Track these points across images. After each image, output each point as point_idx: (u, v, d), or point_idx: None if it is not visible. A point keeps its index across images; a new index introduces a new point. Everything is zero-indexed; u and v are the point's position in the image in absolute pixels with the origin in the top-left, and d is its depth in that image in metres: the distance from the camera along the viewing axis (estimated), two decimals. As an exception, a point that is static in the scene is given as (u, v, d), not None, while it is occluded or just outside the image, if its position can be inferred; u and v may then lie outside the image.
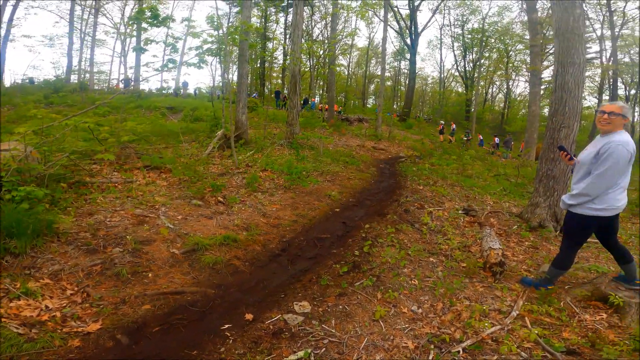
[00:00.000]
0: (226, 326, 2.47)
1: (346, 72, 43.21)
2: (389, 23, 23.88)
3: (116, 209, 4.19)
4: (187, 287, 2.97)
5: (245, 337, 2.35)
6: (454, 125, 24.20)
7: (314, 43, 27.81)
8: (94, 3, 27.86)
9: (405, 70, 40.46)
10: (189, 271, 3.23)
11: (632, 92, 33.50)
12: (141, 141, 7.26)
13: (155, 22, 6.91)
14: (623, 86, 32.76)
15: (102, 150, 5.50)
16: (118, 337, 2.28)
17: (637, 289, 2.81)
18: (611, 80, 27.09)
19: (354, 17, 32.81)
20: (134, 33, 22.02)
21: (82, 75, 29.57)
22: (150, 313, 2.56)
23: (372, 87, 47.80)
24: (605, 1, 24.34)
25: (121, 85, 24.62)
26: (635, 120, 35.78)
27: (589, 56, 29.06)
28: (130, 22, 7.09)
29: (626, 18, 25.69)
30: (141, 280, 2.95)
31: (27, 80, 23.89)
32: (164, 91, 25.45)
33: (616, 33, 25.57)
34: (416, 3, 29.37)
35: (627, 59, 31.43)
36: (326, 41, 26.07)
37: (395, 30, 31.95)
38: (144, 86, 25.61)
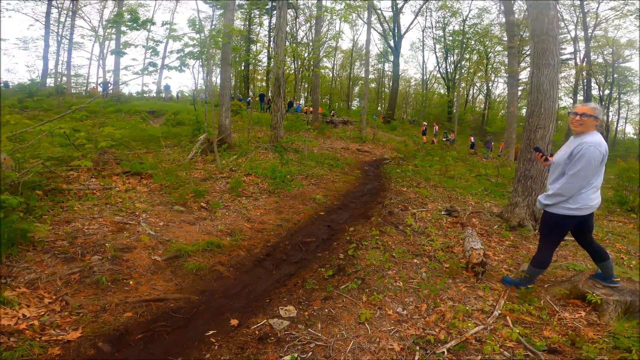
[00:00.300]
0: (211, 332, 2.44)
1: (331, 75, 43.46)
2: (372, 25, 24.19)
3: (94, 216, 4.07)
4: (170, 294, 2.92)
5: (230, 342, 2.32)
6: (437, 127, 24.61)
7: (298, 46, 27.86)
8: (71, 5, 27.17)
9: (389, 72, 41.00)
10: (171, 278, 3.18)
11: (606, 92, 34.86)
12: (120, 146, 7.10)
13: (134, 25, 6.77)
14: (597, 87, 34.06)
15: (79, 156, 5.35)
16: (99, 345, 2.23)
17: (615, 286, 2.88)
18: (585, 81, 28.02)
19: (338, 20, 33.03)
20: (113, 36, 21.56)
21: (59, 79, 28.77)
22: (132, 320, 2.52)
23: (356, 89, 48.22)
24: (579, 2, 25.15)
25: (99, 89, 24.05)
26: (610, 120, 37.25)
27: (563, 57, 29.97)
28: (108, 25, 6.91)
29: (599, 19, 26.61)
30: (122, 288, 2.89)
31: (2, 84, 23.06)
32: (146, 94, 25.01)
33: (589, 34, 26.45)
34: (399, 5, 29.83)
35: (600, 60, 32.72)
36: (310, 44, 26.15)
37: (379, 33, 32.38)
38: (123, 90, 25.04)
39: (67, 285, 2.79)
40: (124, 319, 2.52)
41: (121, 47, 6.95)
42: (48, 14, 26.03)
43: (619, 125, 42.11)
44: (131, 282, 2.99)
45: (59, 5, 27.19)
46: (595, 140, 2.67)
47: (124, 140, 7.08)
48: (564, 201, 2.79)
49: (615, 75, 33.92)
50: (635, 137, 42.66)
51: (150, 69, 7.08)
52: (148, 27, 6.94)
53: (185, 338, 2.39)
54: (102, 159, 6.01)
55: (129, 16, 6.64)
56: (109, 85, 18.79)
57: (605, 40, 30.24)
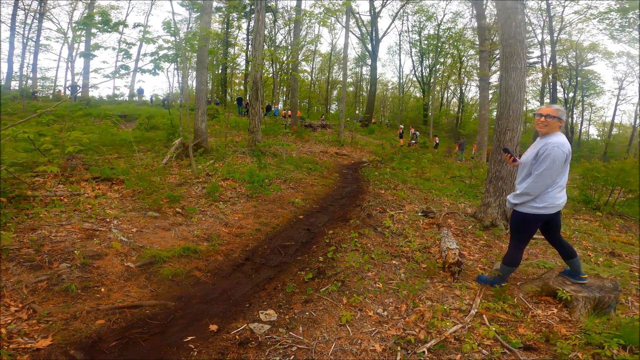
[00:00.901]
0: (189, 338, 2.38)
1: (309, 78, 43.60)
2: (350, 29, 24.44)
3: (62, 223, 3.89)
4: (145, 301, 2.83)
5: (210, 348, 2.27)
6: (413, 130, 25.09)
7: (277, 49, 27.79)
8: (39, 7, 26.06)
9: (367, 76, 41.53)
10: (146, 284, 3.08)
11: (570, 95, 36.60)
12: (90, 152, 6.83)
13: (105, 27, 6.55)
14: (562, 89, 35.68)
15: (45, 162, 5.10)
16: (71, 352, 2.15)
17: (583, 283, 2.99)
18: (551, 84, 29.31)
19: (317, 24, 33.24)
20: (83, 38, 20.81)
21: (24, 82, 27.46)
22: (105, 328, 2.44)
23: (335, 92, 48.59)
24: (545, 6, 26.30)
25: (68, 92, 23.12)
26: (574, 122, 39.14)
27: (531, 61, 31.24)
28: (77, 27, 6.65)
29: (564, 23, 27.88)
30: (93, 296, 2.79)
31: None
32: (117, 98, 24.19)
33: (555, 38, 27.69)
34: (377, 9, 30.33)
35: (565, 63, 34.32)
36: (289, 47, 26.16)
37: (357, 37, 32.78)
38: (93, 93, 24.21)
39: (34, 293, 2.67)
40: (97, 326, 2.44)
41: (91, 49, 6.69)
42: (14, 15, 24.89)
43: (582, 127, 44.32)
44: (103, 290, 2.89)
45: (26, 7, 26.04)
46: (559, 140, 2.78)
47: (93, 145, 6.82)
48: (531, 200, 2.88)
49: (579, 78, 35.49)
50: (598, 138, 45.14)
51: (122, 72, 6.87)
52: (120, 29, 6.72)
53: (163, 344, 2.32)
54: (70, 164, 5.76)
55: (99, 18, 6.43)
56: (78, 88, 18.07)
57: (569, 44, 31.68)
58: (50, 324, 2.38)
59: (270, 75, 26.11)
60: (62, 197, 4.66)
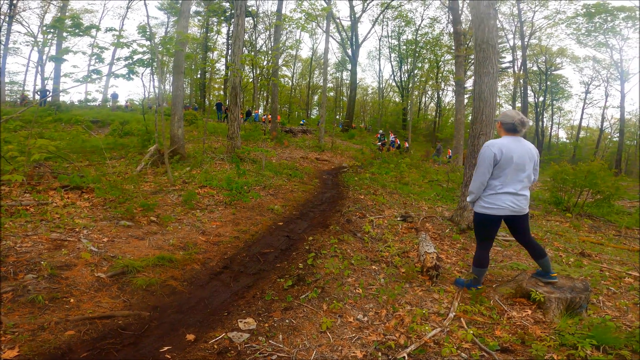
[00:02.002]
0: (165, 348, 2.31)
1: (290, 83, 43.56)
2: (331, 34, 24.65)
3: (28, 233, 3.71)
4: (118, 311, 2.73)
5: (187, 358, 2.21)
6: (393, 135, 25.45)
7: (257, 54, 27.64)
8: (8, 10, 24.97)
9: (347, 81, 41.82)
10: (118, 294, 2.97)
11: (540, 99, 38.04)
12: (59, 159, 6.55)
13: (76, 31, 6.34)
14: (532, 94, 37.04)
15: (10, 170, 4.84)
16: None
17: (553, 281, 3.06)
18: (522, 88, 30.39)
19: (297, 29, 33.29)
20: (54, 42, 20.08)
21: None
22: (75, 339, 2.34)
23: (315, 97, 48.74)
24: (517, 12, 27.36)
25: (37, 97, 22.18)
26: (544, 125, 40.67)
27: (503, 65, 32.32)
28: (47, 31, 6.40)
29: (534, 28, 29.06)
30: (62, 307, 2.67)
31: None
32: (90, 103, 23.40)
33: (526, 43, 28.79)
34: (357, 15, 30.71)
35: (535, 68, 35.67)
36: (269, 52, 26.07)
37: (337, 42, 33.01)
38: (64, 98, 23.29)
39: (-2, 305, 2.54)
40: (66, 337, 2.34)
41: (61, 53, 6.45)
42: (-17, 18, 23.76)
43: (552, 130, 46.13)
44: (72, 300, 2.77)
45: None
46: (493, 141, 2.96)
47: (61, 152, 6.54)
48: (479, 200, 3.03)
49: (548, 83, 36.84)
50: (567, 141, 47.10)
51: (94, 76, 6.65)
52: (93, 33, 6.51)
53: (137, 355, 2.24)
54: (37, 172, 5.50)
55: (70, 22, 6.22)
56: (48, 92, 17.38)
57: (539, 49, 33.00)
58: (17, 335, 2.28)
59: (251, 80, 25.96)
60: (28, 207, 4.44)
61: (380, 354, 2.33)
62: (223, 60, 32.65)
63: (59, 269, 3.11)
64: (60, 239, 3.70)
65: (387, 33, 38.97)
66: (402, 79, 39.71)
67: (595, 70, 35.37)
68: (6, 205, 4.31)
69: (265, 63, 21.57)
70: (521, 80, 27.29)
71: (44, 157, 4.60)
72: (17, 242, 3.48)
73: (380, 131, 25.11)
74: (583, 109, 40.32)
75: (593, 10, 23.60)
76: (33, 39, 23.54)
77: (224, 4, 26.54)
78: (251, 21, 31.22)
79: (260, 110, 30.30)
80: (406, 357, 2.29)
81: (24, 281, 2.85)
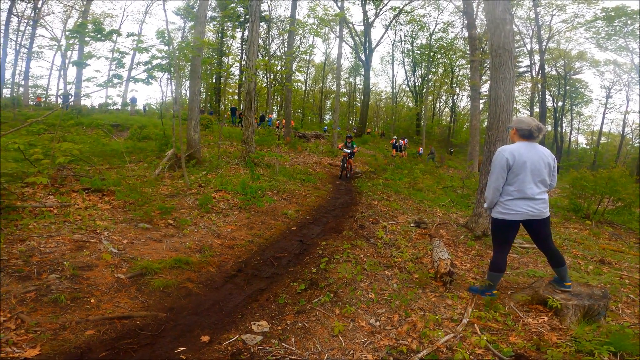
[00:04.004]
0: (181, 349, 2.36)
1: (303, 88, 43.85)
2: (344, 39, 24.77)
3: (51, 234, 3.85)
4: (136, 312, 2.80)
5: (202, 359, 2.25)
6: (404, 141, 25.25)
7: (271, 59, 27.96)
8: (32, 14, 26.06)
9: (360, 86, 41.79)
10: (137, 295, 3.05)
11: (559, 104, 37.15)
12: (80, 162, 6.77)
13: (98, 36, 6.57)
14: (551, 98, 36.20)
15: (35, 172, 5.04)
16: None
17: (567, 290, 3.02)
18: (540, 93, 29.74)
19: (310, 34, 33.57)
20: (76, 46, 20.80)
21: (16, 90, 27.28)
22: (94, 338, 2.40)
23: (328, 102, 48.90)
24: (534, 16, 26.88)
25: (60, 101, 22.99)
26: (563, 131, 39.71)
27: (520, 70, 31.75)
28: (70, 36, 6.64)
29: (552, 32, 28.46)
30: (82, 306, 2.75)
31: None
32: (110, 107, 24.08)
33: (543, 47, 28.23)
34: (370, 19, 30.79)
35: (553, 72, 34.90)
36: (283, 57, 26.34)
37: (350, 47, 33.14)
38: (85, 102, 24.13)
39: (22, 303, 2.64)
40: (86, 336, 2.41)
41: (83, 58, 6.69)
42: (8, 22, 24.84)
43: (572, 135, 45.00)
44: (92, 300, 2.86)
45: (19, 14, 26.04)
46: (506, 147, 2.94)
47: (84, 155, 6.77)
48: (496, 205, 3.02)
49: (567, 87, 35.94)
50: (587, 147, 45.88)
51: (115, 81, 6.87)
52: (114, 38, 6.74)
53: (154, 356, 2.29)
54: (61, 175, 5.71)
55: (92, 27, 6.45)
56: (70, 97, 17.98)
57: (558, 53, 32.31)
58: (39, 334, 2.35)
59: (264, 85, 26.26)
60: (51, 208, 4.61)
61: (391, 358, 2.33)
62: (237, 65, 33.14)
63: (80, 270, 3.21)
64: (82, 240, 3.83)
65: (401, 38, 38.92)
66: (416, 84, 39.49)
67: (616, 74, 34.46)
68: (30, 207, 4.48)
69: (279, 68, 21.80)
70: (539, 85, 26.76)
71: (67, 160, 4.77)
72: (41, 243, 3.61)
73: (395, 137, 24.94)
74: (604, 113, 39.25)
75: (613, 14, 23.00)
76: (56, 43, 24.44)
77: (238, 9, 27.01)
78: (265, 26, 31.65)
79: (274, 115, 30.60)
80: (418, 363, 2.29)
81: (48, 281, 2.94)
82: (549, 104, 34.91)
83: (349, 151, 11.57)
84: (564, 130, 39.90)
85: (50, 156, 5.00)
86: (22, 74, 28.27)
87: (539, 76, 28.29)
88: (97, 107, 25.29)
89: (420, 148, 23.21)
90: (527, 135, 2.93)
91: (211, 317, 2.83)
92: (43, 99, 25.99)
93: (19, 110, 16.23)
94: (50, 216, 4.36)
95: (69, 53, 25.18)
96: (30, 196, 4.90)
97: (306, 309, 2.91)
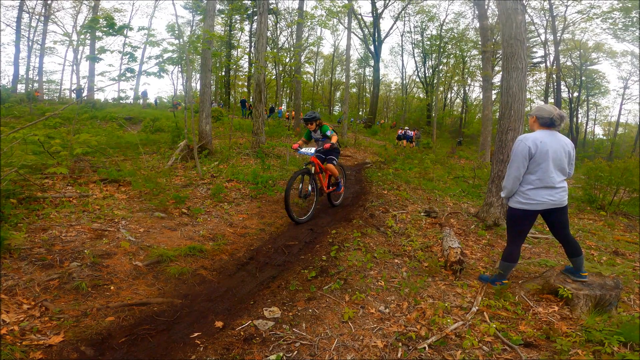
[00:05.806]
0: (196, 334, 2.45)
1: (312, 80, 43.64)
2: (353, 31, 24.54)
3: (72, 223, 3.98)
4: (153, 298, 2.91)
5: (216, 344, 2.33)
6: (414, 132, 24.80)
7: (279, 51, 27.86)
8: (43, 10, 26.44)
9: (370, 77, 41.34)
10: (153, 282, 3.16)
11: (575, 94, 36.26)
12: (97, 154, 6.95)
13: (110, 31, 6.66)
14: (566, 89, 35.33)
15: (54, 163, 5.20)
16: (82, 349, 2.22)
17: (583, 280, 3.01)
18: (555, 83, 29.03)
19: (318, 26, 33.25)
20: (88, 41, 21.08)
21: (30, 85, 27.84)
22: (114, 325, 2.51)
23: (338, 94, 48.61)
24: (548, 6, 26.11)
25: (73, 95, 23.41)
26: (579, 122, 38.79)
27: (535, 61, 30.97)
28: (83, 31, 6.74)
29: (567, 22, 27.63)
30: (103, 293, 2.87)
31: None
32: (123, 101, 24.43)
33: (558, 37, 27.44)
34: (379, 10, 30.34)
35: (569, 63, 33.98)
36: (292, 49, 26.22)
37: (359, 38, 32.78)
38: (99, 96, 24.51)
39: (45, 291, 2.75)
40: (106, 323, 2.51)
41: (96, 52, 6.80)
42: (19, 18, 25.29)
43: (588, 126, 43.92)
44: (112, 288, 2.97)
45: (30, 10, 26.45)
46: (527, 135, 2.90)
47: (100, 147, 6.93)
48: (515, 195, 2.98)
49: (583, 78, 35.07)
50: (604, 137, 44.73)
51: (128, 75, 6.98)
52: (125, 32, 6.83)
53: (170, 340, 2.38)
54: (78, 166, 5.87)
55: (104, 22, 6.54)
56: (83, 91, 18.29)
57: (573, 44, 31.43)
58: (62, 321, 2.45)
59: (274, 77, 26.22)
60: (71, 199, 4.76)
61: (400, 344, 2.38)
62: (246, 57, 33.14)
63: (100, 258, 3.32)
64: (101, 229, 3.96)
65: (410, 28, 38.28)
66: (426, 75, 38.84)
67: (633, 65, 33.37)
68: (50, 197, 4.64)
69: (287, 60, 21.73)
70: (554, 76, 26.06)
71: (84, 152, 4.91)
72: (62, 232, 3.74)
73: (406, 127, 24.46)
74: (621, 104, 38.20)
75: (629, 5, 22.13)
76: (68, 39, 24.80)
77: (246, 2, 26.89)
78: (273, 18, 31.48)
79: (284, 107, 30.58)
80: (427, 348, 2.34)
81: (70, 269, 3.05)
82: (564, 95, 34.07)
83: (313, 151, 5.60)
84: (579, 121, 38.98)
85: (68, 148, 5.15)
86: (36, 70, 28.81)
87: (554, 67, 27.56)
88: (110, 100, 25.68)
89: (408, 130, 22.29)
90: (549, 123, 2.88)
91: (225, 304, 2.92)
92: (44, 96, 26.36)
93: (34, 104, 16.59)
94: (70, 206, 4.51)
95: (80, 48, 25.54)
96: (50, 187, 5.06)
97: (317, 296, 2.98)
